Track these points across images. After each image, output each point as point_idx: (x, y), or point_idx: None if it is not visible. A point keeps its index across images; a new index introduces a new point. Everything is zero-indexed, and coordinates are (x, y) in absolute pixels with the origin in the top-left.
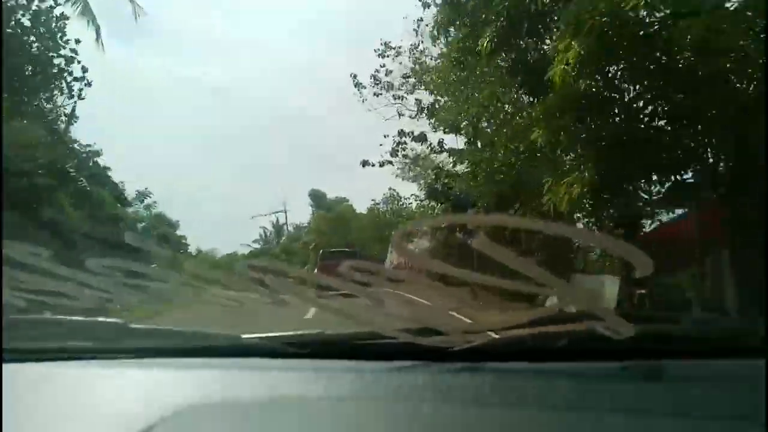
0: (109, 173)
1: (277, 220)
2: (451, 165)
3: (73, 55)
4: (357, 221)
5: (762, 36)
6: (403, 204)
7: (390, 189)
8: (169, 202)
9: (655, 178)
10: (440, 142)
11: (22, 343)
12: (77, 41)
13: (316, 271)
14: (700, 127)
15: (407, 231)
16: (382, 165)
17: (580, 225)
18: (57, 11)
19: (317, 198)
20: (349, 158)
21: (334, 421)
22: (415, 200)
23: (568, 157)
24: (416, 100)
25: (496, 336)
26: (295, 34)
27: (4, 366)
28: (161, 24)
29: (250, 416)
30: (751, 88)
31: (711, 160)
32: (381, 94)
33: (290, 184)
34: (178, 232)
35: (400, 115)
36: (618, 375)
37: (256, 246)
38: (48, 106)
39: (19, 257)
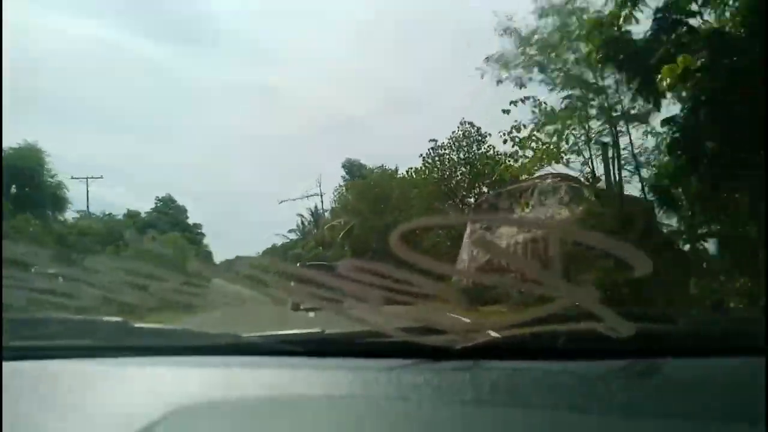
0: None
1: (316, 207)
2: None
3: None
4: (407, 187)
5: None
6: (489, 146)
7: (463, 123)
8: (212, 201)
9: None
10: None
11: (23, 341)
12: None
13: (292, 284)
14: None
15: (407, 230)
16: None
17: None
18: None
19: (354, 169)
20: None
21: (334, 419)
22: (534, 109)
23: None
24: None
25: (497, 335)
26: (344, 38)
27: (5, 364)
28: (208, 27)
29: (251, 414)
30: None
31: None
32: None
33: (328, 166)
34: (202, 223)
35: None
36: (619, 374)
37: (293, 236)
38: None
39: (19, 257)
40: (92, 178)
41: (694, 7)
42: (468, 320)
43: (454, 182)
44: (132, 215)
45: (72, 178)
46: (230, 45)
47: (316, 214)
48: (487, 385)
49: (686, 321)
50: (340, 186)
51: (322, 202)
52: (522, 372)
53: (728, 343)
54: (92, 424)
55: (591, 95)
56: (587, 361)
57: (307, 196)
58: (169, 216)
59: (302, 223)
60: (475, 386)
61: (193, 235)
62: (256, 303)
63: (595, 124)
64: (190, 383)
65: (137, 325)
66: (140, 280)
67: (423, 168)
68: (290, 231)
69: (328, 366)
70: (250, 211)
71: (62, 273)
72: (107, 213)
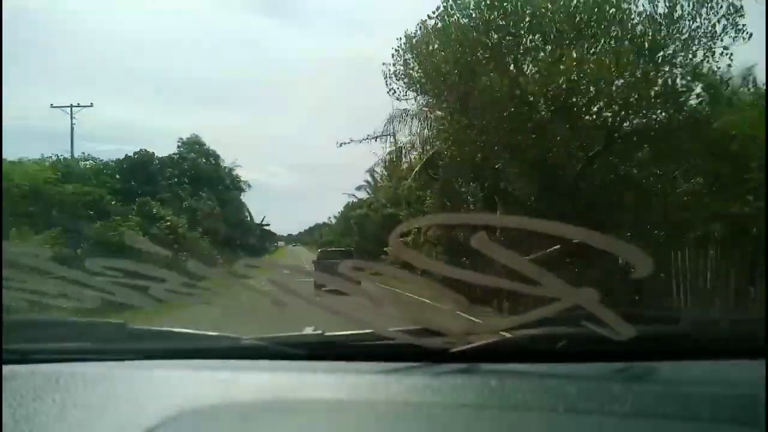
0: None
1: (391, 157)
2: None
3: None
4: None
5: None
6: None
7: None
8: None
9: None
10: None
11: (22, 344)
12: None
13: (314, 270)
14: None
15: (405, 229)
16: None
17: None
18: None
19: None
20: None
21: (333, 422)
22: None
23: None
24: None
25: (496, 337)
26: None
27: (5, 367)
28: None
29: (250, 417)
30: None
31: None
32: None
33: None
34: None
35: None
36: (618, 376)
37: (362, 195)
38: None
39: (19, 258)
40: (78, 106)
41: None
42: (474, 320)
43: None
44: (136, 158)
45: (52, 106)
46: (323, 16)
47: (390, 163)
48: (486, 388)
49: (686, 323)
50: (413, 35)
51: (395, 143)
52: (521, 374)
53: (728, 345)
54: (93, 427)
55: None
56: (587, 364)
57: (374, 137)
58: (188, 161)
59: (373, 178)
60: (474, 389)
61: (226, 189)
62: (254, 303)
63: None
64: (190, 386)
65: (136, 327)
66: (139, 281)
67: None
68: (359, 188)
69: (328, 369)
70: (341, 179)
71: (62, 275)
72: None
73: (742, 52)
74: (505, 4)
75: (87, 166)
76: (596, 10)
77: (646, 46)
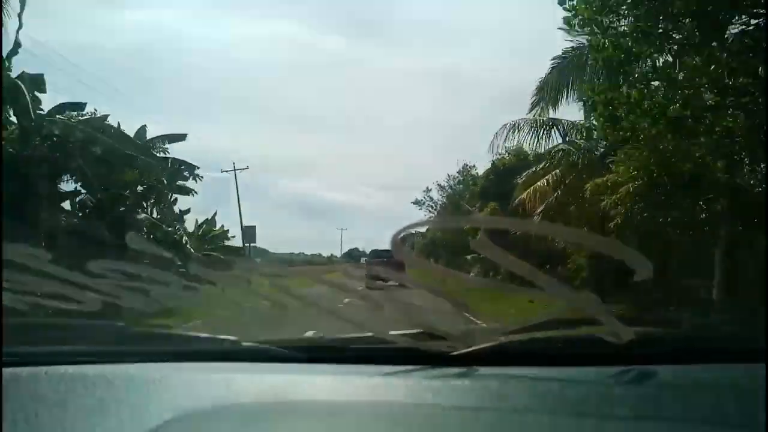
0: None
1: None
2: None
3: None
4: None
5: None
6: None
7: None
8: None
9: None
10: None
11: (23, 346)
12: None
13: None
14: None
15: (406, 232)
16: None
17: None
18: None
19: None
20: None
21: (333, 424)
22: None
23: None
24: None
25: (496, 341)
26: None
27: (5, 369)
28: (388, 17)
29: (250, 419)
30: None
31: None
32: None
33: None
34: None
35: None
36: (618, 379)
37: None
38: None
39: (20, 260)
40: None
41: None
42: (470, 325)
43: None
44: None
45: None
46: (411, 31)
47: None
48: (486, 391)
49: (687, 326)
50: None
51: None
52: (521, 378)
53: (729, 348)
54: (93, 429)
55: None
56: (587, 367)
57: None
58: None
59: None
60: (474, 392)
61: None
62: (256, 307)
63: None
64: (191, 388)
65: (137, 330)
66: (141, 284)
67: None
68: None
69: (328, 371)
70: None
71: (62, 276)
72: None
73: None
74: None
75: None
76: None
77: None
